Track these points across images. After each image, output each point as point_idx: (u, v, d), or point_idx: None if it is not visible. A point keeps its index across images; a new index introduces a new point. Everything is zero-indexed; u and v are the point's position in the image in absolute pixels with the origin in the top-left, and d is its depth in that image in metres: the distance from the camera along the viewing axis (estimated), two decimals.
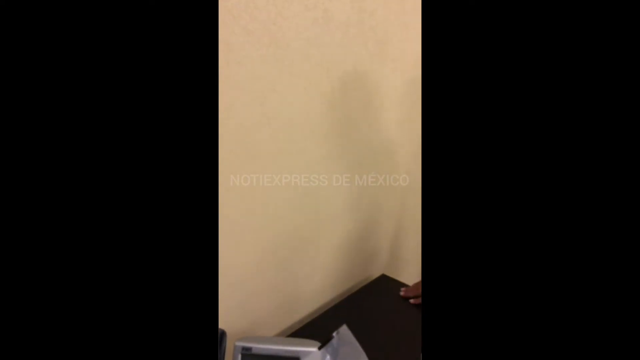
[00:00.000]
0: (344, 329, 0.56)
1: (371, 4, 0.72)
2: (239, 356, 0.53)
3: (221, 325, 0.66)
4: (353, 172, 0.85)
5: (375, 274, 1.03)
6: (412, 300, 0.85)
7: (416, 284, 0.89)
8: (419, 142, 1.06)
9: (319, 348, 0.52)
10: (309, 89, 0.66)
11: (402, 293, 0.88)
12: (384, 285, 0.95)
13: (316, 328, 0.77)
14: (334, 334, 0.56)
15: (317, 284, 0.87)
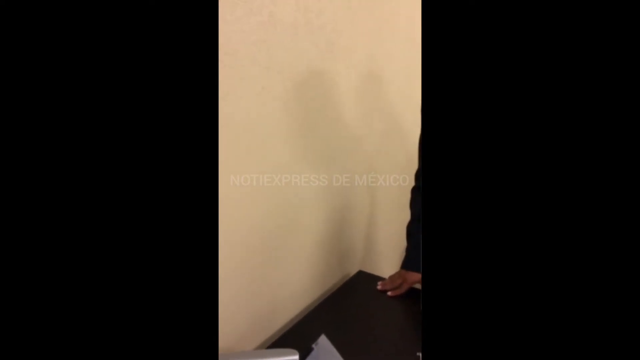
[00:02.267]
0: (323, 339, 0.55)
1: (316, 3, 0.72)
2: None
3: None
4: (319, 172, 0.85)
5: (352, 270, 1.03)
6: (389, 293, 0.86)
7: (392, 276, 0.90)
8: (382, 137, 1.08)
9: None
10: (262, 93, 0.65)
11: (379, 287, 0.88)
12: (361, 281, 0.95)
13: (297, 335, 0.76)
14: (314, 345, 0.55)
15: (294, 289, 0.86)
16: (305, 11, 0.70)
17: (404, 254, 0.90)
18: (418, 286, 0.88)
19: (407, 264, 0.88)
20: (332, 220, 0.93)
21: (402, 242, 0.94)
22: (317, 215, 0.88)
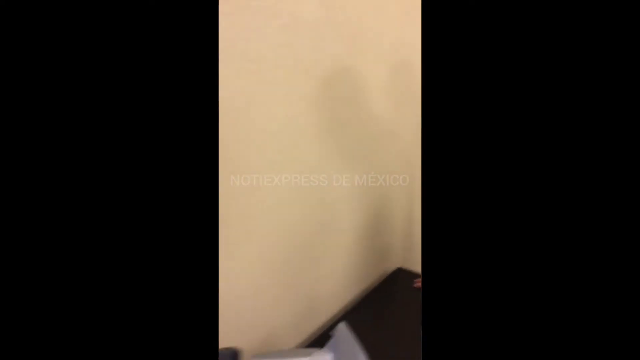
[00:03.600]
0: (342, 326, 0.56)
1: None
2: None
3: (237, 342, 0.66)
4: (352, 170, 0.84)
5: (391, 268, 1.01)
6: None
7: None
8: (415, 131, 1.04)
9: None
10: (290, 94, 0.66)
11: (415, 284, 0.86)
12: (400, 278, 0.93)
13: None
14: (331, 332, 0.56)
15: (332, 287, 0.86)
16: (328, 8, 0.69)
17: None
18: None
19: None
20: (368, 218, 0.92)
21: None
22: (353, 213, 0.87)
